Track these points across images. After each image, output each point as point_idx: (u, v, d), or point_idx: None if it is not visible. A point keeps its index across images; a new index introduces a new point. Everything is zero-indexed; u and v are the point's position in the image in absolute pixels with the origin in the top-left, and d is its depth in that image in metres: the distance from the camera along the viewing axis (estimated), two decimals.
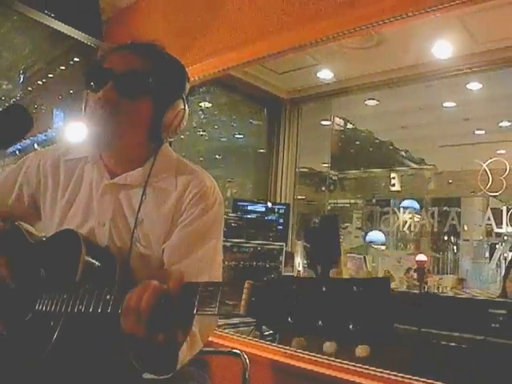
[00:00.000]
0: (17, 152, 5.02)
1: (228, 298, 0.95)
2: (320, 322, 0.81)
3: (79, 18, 4.05)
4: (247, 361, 1.90)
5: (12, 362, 1.31)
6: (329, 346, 0.71)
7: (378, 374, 2.15)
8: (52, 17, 3.87)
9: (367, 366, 2.19)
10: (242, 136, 5.38)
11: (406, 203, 5.04)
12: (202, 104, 4.97)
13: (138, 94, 1.40)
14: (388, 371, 2.14)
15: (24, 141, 5.22)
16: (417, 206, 5.08)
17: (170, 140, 1.54)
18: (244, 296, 0.91)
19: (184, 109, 1.47)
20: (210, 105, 5.04)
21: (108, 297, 1.12)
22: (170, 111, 1.44)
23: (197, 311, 0.97)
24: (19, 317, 1.36)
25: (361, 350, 0.72)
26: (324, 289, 0.83)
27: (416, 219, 4.96)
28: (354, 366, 2.21)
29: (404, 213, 4.93)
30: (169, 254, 1.43)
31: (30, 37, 4.55)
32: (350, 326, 0.79)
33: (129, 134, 1.42)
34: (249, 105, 5.24)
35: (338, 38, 2.58)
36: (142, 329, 1.02)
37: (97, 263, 1.32)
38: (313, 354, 2.29)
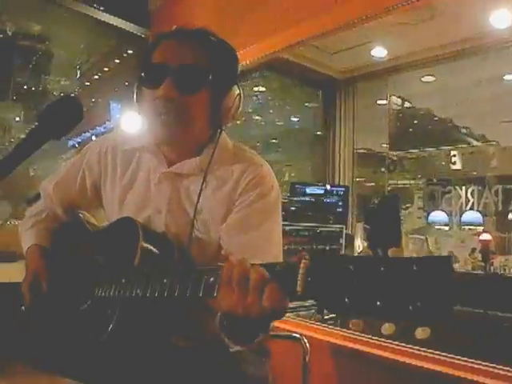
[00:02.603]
0: (76, 145, 5.14)
1: None
2: (378, 303, 0.77)
3: (127, 8, 4.10)
4: (307, 345, 1.89)
5: (72, 348, 1.35)
6: (387, 327, 0.67)
7: (440, 357, 2.09)
8: (100, 10, 3.92)
9: (429, 350, 2.14)
10: (297, 119, 5.34)
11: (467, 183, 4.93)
12: (256, 89, 4.95)
13: (197, 88, 1.41)
14: (449, 354, 2.09)
15: (83, 134, 5.34)
16: (479, 185, 4.94)
17: (227, 126, 1.54)
18: (300, 276, 0.88)
19: (240, 94, 1.48)
20: (264, 89, 5.01)
21: (165, 280, 1.12)
22: (227, 98, 1.45)
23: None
24: (79, 304, 1.39)
25: (421, 332, 0.67)
26: (382, 268, 0.78)
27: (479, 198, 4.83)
28: (418, 349, 2.16)
29: (466, 192, 4.80)
30: (225, 236, 1.44)
31: (83, 33, 4.64)
32: (410, 307, 0.75)
33: (190, 126, 1.43)
34: (303, 87, 5.20)
35: (390, 12, 2.52)
36: (248, 303, 0.96)
37: (154, 249, 1.34)
38: (376, 337, 2.25)
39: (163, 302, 1.16)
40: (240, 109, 1.51)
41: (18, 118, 4.97)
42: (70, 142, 5.39)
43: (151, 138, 1.52)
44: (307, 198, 4.17)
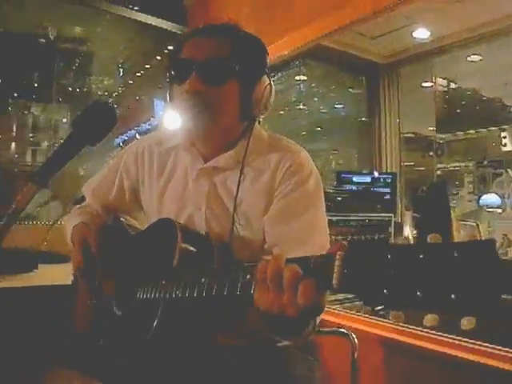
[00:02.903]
0: (121, 144, 5.21)
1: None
2: (419, 293, 0.73)
3: (161, 6, 4.11)
4: (355, 340, 1.86)
5: (117, 352, 1.35)
6: (430, 318, 0.63)
7: (488, 349, 2.02)
8: (135, 9, 3.94)
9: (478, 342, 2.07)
10: (342, 106, 5.28)
11: None
12: (297, 78, 4.91)
13: (223, 79, 1.41)
14: (497, 346, 2.01)
15: (129, 131, 5.40)
16: None
17: (261, 118, 1.53)
18: (336, 268, 0.85)
19: (270, 84, 1.47)
20: (306, 78, 4.97)
21: (203, 280, 1.11)
22: (257, 89, 1.45)
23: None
24: (123, 308, 1.41)
25: (465, 323, 0.62)
26: (421, 256, 0.74)
27: None
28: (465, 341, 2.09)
29: None
30: (267, 228, 1.43)
31: (122, 32, 4.69)
32: (452, 296, 0.70)
33: (221, 119, 1.43)
34: (346, 74, 5.14)
35: None
36: (283, 302, 0.94)
37: (194, 249, 1.34)
38: (426, 330, 2.20)
39: (206, 301, 1.14)
40: (272, 99, 1.50)
41: (64, 120, 5.07)
42: (117, 140, 5.48)
43: (185, 135, 1.53)
44: (354, 187, 4.13)
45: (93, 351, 1.46)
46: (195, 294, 1.12)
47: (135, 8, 4.09)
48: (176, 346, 1.31)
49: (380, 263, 0.78)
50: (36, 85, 4.56)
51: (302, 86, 5.06)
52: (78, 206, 1.81)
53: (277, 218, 1.42)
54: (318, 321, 1.25)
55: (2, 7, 4.14)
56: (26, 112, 4.88)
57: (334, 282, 0.84)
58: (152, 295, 1.27)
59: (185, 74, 1.41)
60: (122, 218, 1.73)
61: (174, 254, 1.28)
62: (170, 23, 4.28)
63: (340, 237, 3.34)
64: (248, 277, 1.01)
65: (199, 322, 1.31)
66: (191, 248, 1.33)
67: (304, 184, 1.44)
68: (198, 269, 1.16)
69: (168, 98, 1.52)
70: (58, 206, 3.83)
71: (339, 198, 3.59)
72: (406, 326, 2.26)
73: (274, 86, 1.50)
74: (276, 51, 3.40)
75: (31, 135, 5.04)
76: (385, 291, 0.77)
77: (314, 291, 0.89)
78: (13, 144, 4.98)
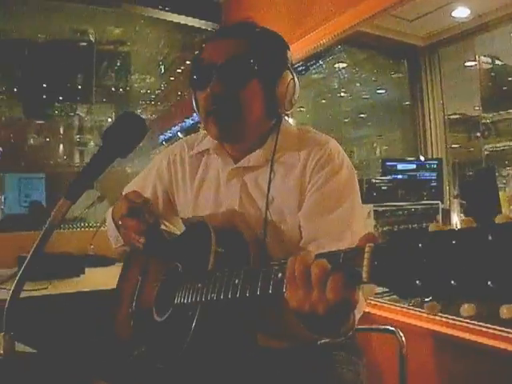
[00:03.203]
0: (163, 142, 5.28)
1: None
2: (453, 282, 0.69)
3: (194, 5, 4.11)
4: (403, 338, 1.83)
5: (155, 359, 1.35)
6: (467, 308, 0.60)
7: None
8: (166, 10, 3.96)
9: None
10: (384, 91, 5.20)
11: None
12: (336, 65, 4.86)
13: (244, 80, 1.41)
14: None
15: (173, 128, 5.46)
16: None
17: (287, 113, 1.55)
18: (365, 261, 0.82)
19: (293, 78, 1.46)
20: (346, 65, 4.92)
21: (236, 281, 1.11)
22: (280, 85, 1.44)
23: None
24: (162, 314, 1.42)
25: (506, 311, 0.59)
26: (454, 242, 0.70)
27: None
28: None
29: None
30: (302, 224, 1.42)
31: (160, 30, 4.72)
32: (489, 283, 0.65)
33: (246, 121, 1.44)
34: (386, 58, 5.06)
35: None
36: (313, 299, 0.92)
37: (229, 251, 1.34)
38: (479, 323, 2.14)
39: (242, 302, 1.15)
40: (297, 94, 1.49)
41: (109, 119, 5.17)
42: (161, 137, 5.55)
43: (216, 142, 1.54)
44: (399, 176, 4.07)
45: (130, 362, 1.49)
46: (229, 296, 1.12)
47: (166, 8, 4.11)
48: (214, 350, 1.32)
49: (411, 253, 0.75)
50: (80, 87, 4.64)
51: (343, 72, 5.01)
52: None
53: (311, 213, 1.40)
54: (358, 317, 1.23)
55: (43, 15, 4.24)
56: (71, 114, 4.99)
57: (364, 275, 0.83)
58: (189, 300, 1.28)
59: (205, 78, 1.41)
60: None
61: (208, 258, 1.29)
62: (203, 21, 4.30)
63: (387, 227, 3.31)
64: (280, 275, 1.01)
65: (237, 324, 1.32)
66: (226, 250, 1.34)
67: (336, 175, 1.42)
68: (231, 270, 1.16)
69: (194, 104, 1.52)
70: (106, 207, 3.90)
71: (384, 188, 3.54)
72: (457, 319, 2.23)
73: (297, 81, 1.49)
74: (315, 40, 3.39)
75: (78, 136, 5.16)
76: (417, 282, 0.74)
77: (342, 286, 0.87)
78: (61, 146, 5.10)
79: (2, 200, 4.07)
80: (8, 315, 1.00)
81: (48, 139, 5.02)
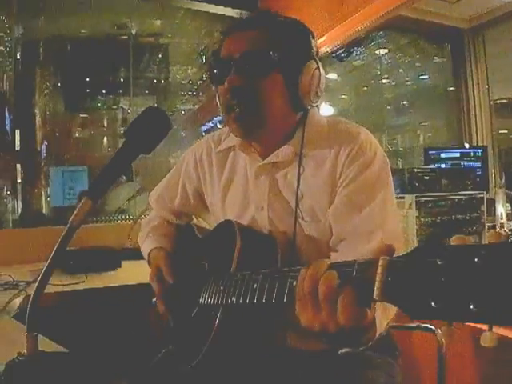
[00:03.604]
0: (203, 133, 5.30)
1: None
2: (473, 307, 0.59)
3: None
4: (442, 339, 1.78)
5: (181, 360, 1.34)
6: (488, 338, 0.51)
7: None
8: (205, 1, 3.95)
9: None
10: (427, 76, 5.10)
11: None
12: (377, 52, 4.79)
13: (263, 71, 1.35)
14: None
15: (214, 118, 5.49)
16: None
17: (315, 105, 1.47)
18: (378, 276, 0.73)
19: (318, 68, 1.40)
20: (387, 50, 4.84)
21: (255, 286, 1.06)
22: (304, 75, 1.37)
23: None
24: (187, 312, 1.41)
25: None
26: (477, 260, 0.60)
27: None
28: None
29: None
30: (334, 220, 1.35)
31: (200, 20, 4.73)
32: None
33: (268, 114, 1.38)
34: (428, 43, 4.96)
35: None
36: (324, 320, 0.85)
37: (255, 251, 1.31)
38: None
39: (264, 306, 1.08)
40: (322, 84, 1.42)
41: None
42: (203, 128, 5.57)
43: (240, 138, 1.49)
44: (442, 164, 3.99)
45: (154, 364, 1.51)
46: (247, 302, 1.07)
47: None
48: (236, 352, 1.30)
49: (428, 269, 0.66)
50: (122, 80, 4.70)
51: (385, 58, 4.93)
52: (144, 221, 1.85)
53: (340, 211, 1.33)
54: (385, 323, 1.11)
55: (84, 10, 4.30)
56: (114, 107, 5.04)
57: (376, 292, 0.74)
58: (212, 301, 1.25)
59: (224, 72, 1.36)
60: (194, 221, 1.76)
61: (232, 259, 1.26)
62: (239, 11, 4.28)
63: (429, 218, 3.26)
64: (294, 283, 0.93)
65: (259, 326, 1.29)
66: (252, 250, 1.30)
67: (368, 167, 1.34)
68: (251, 274, 1.11)
69: (217, 100, 1.47)
70: (147, 199, 3.94)
71: (427, 177, 3.47)
72: None
73: (322, 70, 1.42)
74: (354, 24, 3.34)
75: (121, 128, 5.22)
76: (432, 304, 0.65)
77: (353, 307, 0.79)
78: (105, 138, 5.17)
79: (48, 193, 4.16)
80: (31, 314, 0.98)
81: (92, 132, 5.09)
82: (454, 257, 0.64)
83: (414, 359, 2.10)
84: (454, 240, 0.67)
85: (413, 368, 2.23)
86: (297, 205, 1.39)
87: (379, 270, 0.74)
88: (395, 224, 1.35)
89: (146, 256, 1.71)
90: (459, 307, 0.61)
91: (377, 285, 0.73)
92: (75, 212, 1.03)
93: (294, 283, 0.92)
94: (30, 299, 0.99)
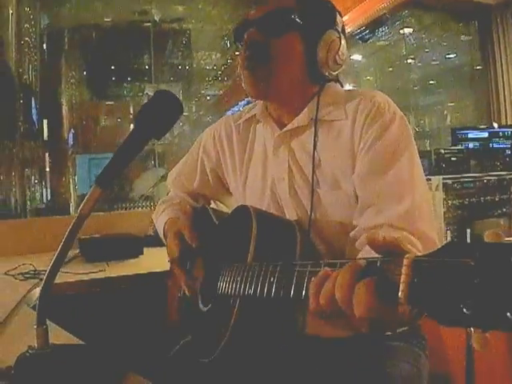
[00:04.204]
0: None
1: None
2: (509, 314, 0.52)
3: None
4: (472, 328, 1.73)
5: (198, 352, 1.32)
6: None
7: None
8: None
9: None
10: (454, 55, 5.01)
11: None
12: (402, 31, 4.73)
13: (282, 29, 1.34)
14: None
15: (240, 102, 5.48)
16: None
17: (335, 74, 1.42)
18: (403, 277, 0.64)
19: (339, 38, 1.37)
20: (412, 30, 4.77)
21: (272, 279, 1.00)
22: (322, 43, 1.35)
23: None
24: (206, 302, 1.39)
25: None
26: None
27: None
28: None
29: None
30: (359, 187, 1.29)
31: (224, 4, 4.73)
32: None
33: (283, 73, 1.35)
34: (454, 21, 4.87)
35: None
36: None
37: (272, 238, 1.26)
38: None
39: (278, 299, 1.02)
40: (343, 54, 1.38)
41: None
42: (229, 112, 5.58)
43: (258, 100, 1.48)
44: (470, 145, 3.92)
45: (171, 356, 1.49)
46: (265, 295, 1.02)
47: None
48: (255, 344, 1.26)
49: (459, 271, 0.58)
50: (147, 67, 4.72)
51: (410, 37, 4.86)
52: (162, 200, 1.81)
53: (365, 175, 1.28)
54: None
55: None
56: (140, 94, 5.06)
57: (401, 294, 0.64)
58: (229, 291, 1.21)
59: (246, 28, 1.35)
60: (209, 205, 1.71)
61: (248, 248, 1.21)
62: None
63: (457, 201, 3.22)
64: (313, 279, 0.85)
65: (283, 313, 1.24)
66: (269, 238, 1.25)
67: (388, 128, 1.29)
68: (268, 265, 1.05)
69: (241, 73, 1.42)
70: None
71: (454, 159, 3.42)
72: None
73: (343, 41, 1.38)
74: (375, 3, 3.29)
75: None
76: (464, 310, 0.57)
77: (376, 310, 0.69)
78: (131, 126, 5.20)
79: (76, 181, 4.21)
80: (41, 307, 0.97)
81: (119, 119, 5.12)
82: (489, 257, 0.56)
83: (440, 351, 2.07)
84: (487, 236, 0.59)
85: (439, 360, 2.20)
86: (313, 172, 1.35)
87: (404, 270, 0.65)
88: (423, 190, 1.28)
89: (160, 229, 1.67)
90: (495, 314, 0.55)
91: (402, 287, 0.65)
92: (84, 201, 1.02)
93: (313, 279, 0.84)
94: (39, 293, 0.99)
